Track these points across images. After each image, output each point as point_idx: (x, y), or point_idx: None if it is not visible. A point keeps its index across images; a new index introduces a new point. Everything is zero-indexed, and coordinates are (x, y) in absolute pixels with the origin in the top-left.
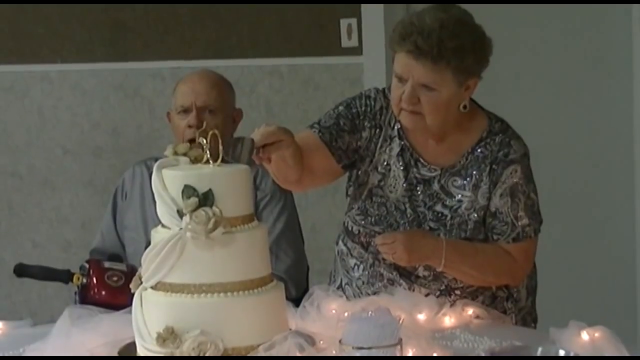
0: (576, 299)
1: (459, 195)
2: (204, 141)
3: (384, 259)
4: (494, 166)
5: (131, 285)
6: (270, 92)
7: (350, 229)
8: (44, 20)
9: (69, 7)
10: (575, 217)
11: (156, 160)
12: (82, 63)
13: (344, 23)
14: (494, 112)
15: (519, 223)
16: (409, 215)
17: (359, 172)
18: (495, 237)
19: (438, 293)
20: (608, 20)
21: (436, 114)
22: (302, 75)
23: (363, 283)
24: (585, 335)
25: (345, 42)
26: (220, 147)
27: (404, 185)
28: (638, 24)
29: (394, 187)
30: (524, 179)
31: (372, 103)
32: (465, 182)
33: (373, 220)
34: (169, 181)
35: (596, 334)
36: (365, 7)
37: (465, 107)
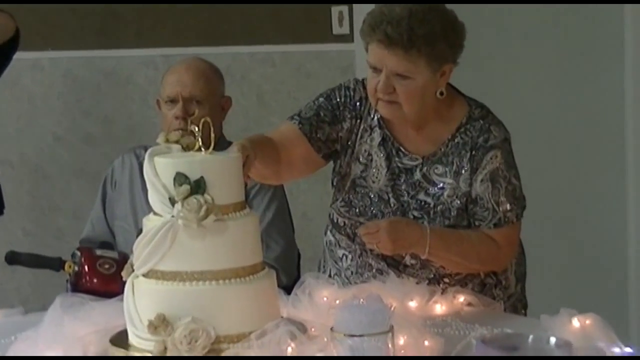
0: (566, 286)
1: (441, 183)
2: (196, 129)
3: (371, 250)
4: (474, 152)
5: (123, 273)
6: (261, 79)
7: (335, 220)
8: (34, 7)
9: None
10: (566, 203)
11: (145, 148)
12: (73, 50)
13: (335, 10)
14: (485, 99)
15: (500, 208)
16: (392, 205)
17: (342, 164)
18: (477, 223)
19: (427, 281)
20: (600, 14)
21: (412, 102)
22: (293, 63)
23: (352, 273)
24: (576, 323)
25: (336, 29)
26: (212, 135)
27: (387, 175)
28: (630, 16)
29: (377, 177)
30: (504, 164)
31: (352, 94)
32: (446, 169)
33: (357, 211)
34: (161, 169)
35: (587, 321)
36: None
37: (442, 93)
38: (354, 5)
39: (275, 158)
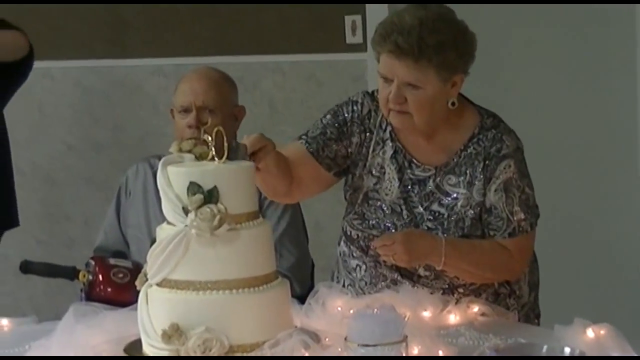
0: (579, 295)
1: (455, 194)
2: (209, 138)
3: (385, 261)
4: (487, 162)
5: (136, 282)
6: (273, 88)
7: (349, 233)
8: (45, 17)
9: (70, 4)
10: (579, 212)
11: (159, 157)
12: (84, 60)
13: (348, 20)
14: (496, 108)
15: (515, 218)
16: (405, 217)
17: (354, 177)
18: (491, 232)
19: (441, 292)
20: (611, 17)
21: (422, 111)
22: (305, 72)
23: (366, 284)
24: (590, 333)
25: (349, 39)
26: (225, 145)
27: (399, 187)
28: None
29: (389, 190)
30: (517, 173)
31: (360, 108)
32: (459, 179)
33: (370, 223)
34: (174, 178)
35: (601, 332)
36: (369, 4)
37: (453, 103)
38: (367, 15)
39: (288, 172)
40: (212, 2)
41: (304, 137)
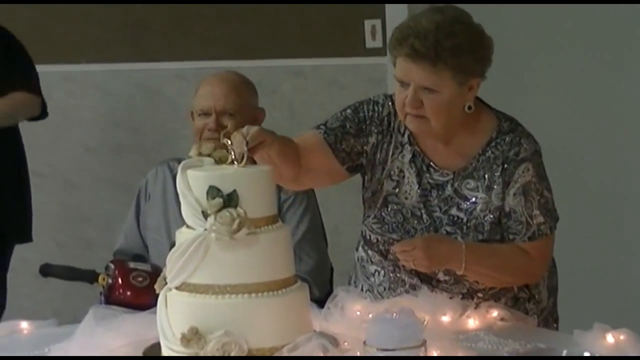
0: (598, 300)
1: (473, 198)
2: (228, 142)
3: (404, 265)
4: (505, 166)
5: (156, 286)
6: (293, 92)
7: (368, 237)
8: (67, 21)
9: (92, 8)
10: (598, 216)
11: (179, 161)
12: (105, 63)
13: (368, 24)
14: (513, 111)
15: (534, 222)
16: (425, 221)
17: (372, 180)
18: (510, 236)
19: (460, 296)
20: (626, 19)
21: (439, 115)
22: (325, 76)
23: (384, 289)
24: (610, 338)
25: (369, 43)
26: (245, 149)
27: (418, 191)
28: None
29: (409, 194)
30: (536, 176)
31: (380, 109)
32: (478, 183)
33: (390, 227)
34: (194, 182)
35: (621, 337)
36: (389, 8)
37: (470, 107)
38: (387, 19)
39: (296, 159)
40: (232, 2)
41: (322, 126)
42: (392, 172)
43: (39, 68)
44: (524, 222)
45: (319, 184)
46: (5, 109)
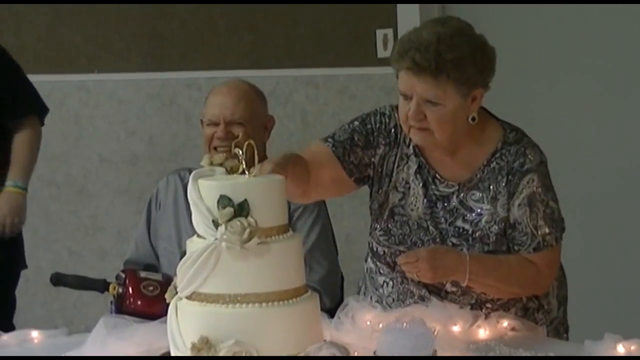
0: (608, 309)
1: (479, 209)
2: (240, 152)
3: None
4: (510, 177)
5: (166, 295)
6: (306, 102)
7: (375, 249)
8: (81, 30)
9: (106, 17)
10: (608, 225)
11: (190, 170)
12: (119, 73)
13: (379, 34)
14: (521, 120)
15: (539, 232)
16: (431, 232)
17: (379, 192)
18: (516, 247)
19: (469, 307)
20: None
21: (443, 128)
22: (337, 85)
23: (393, 300)
24: (621, 349)
25: (381, 53)
26: (256, 158)
27: (424, 202)
28: None
29: (415, 205)
30: (542, 187)
31: (387, 120)
32: (483, 195)
33: (397, 239)
34: (205, 191)
35: (632, 347)
36: (401, 18)
37: (473, 119)
38: (399, 29)
39: (305, 178)
40: (245, 13)
41: (330, 139)
42: (398, 184)
43: (53, 77)
44: (529, 233)
45: (326, 195)
46: (32, 158)
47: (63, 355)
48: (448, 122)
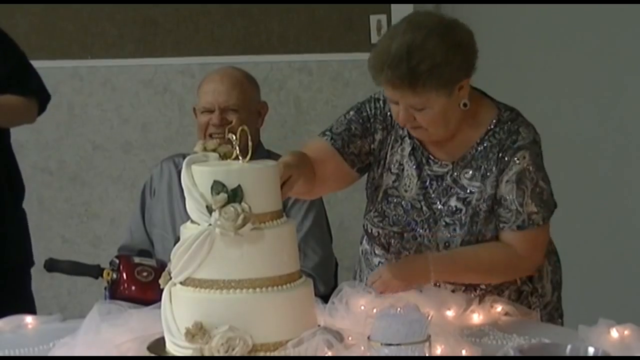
0: (602, 294)
1: (471, 188)
2: (233, 137)
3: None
4: (501, 154)
5: (160, 281)
6: (299, 88)
7: (370, 231)
8: (73, 16)
9: (99, 4)
10: (603, 211)
11: (184, 157)
12: (112, 59)
13: (373, 19)
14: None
15: (525, 210)
16: (425, 213)
17: (375, 175)
18: (501, 225)
19: (463, 288)
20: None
21: (436, 126)
22: (331, 72)
23: None
24: (614, 333)
25: (374, 38)
26: (250, 144)
27: (418, 183)
28: None
29: (409, 186)
30: (532, 165)
31: (382, 105)
32: (475, 172)
33: (391, 221)
34: (198, 177)
35: (626, 332)
36: (394, 3)
37: (465, 105)
38: (392, 14)
39: (313, 177)
40: (239, 3)
41: (328, 133)
42: (392, 166)
43: (46, 64)
44: (514, 210)
45: (332, 189)
46: (7, 108)
47: (56, 341)
48: (439, 120)
